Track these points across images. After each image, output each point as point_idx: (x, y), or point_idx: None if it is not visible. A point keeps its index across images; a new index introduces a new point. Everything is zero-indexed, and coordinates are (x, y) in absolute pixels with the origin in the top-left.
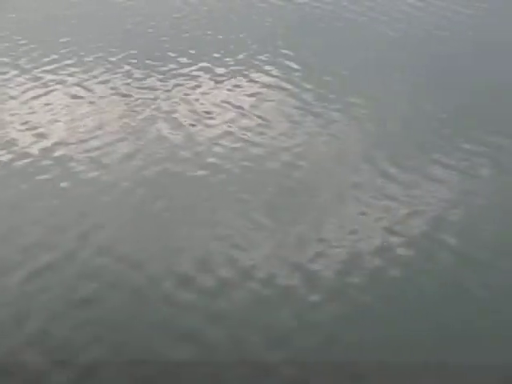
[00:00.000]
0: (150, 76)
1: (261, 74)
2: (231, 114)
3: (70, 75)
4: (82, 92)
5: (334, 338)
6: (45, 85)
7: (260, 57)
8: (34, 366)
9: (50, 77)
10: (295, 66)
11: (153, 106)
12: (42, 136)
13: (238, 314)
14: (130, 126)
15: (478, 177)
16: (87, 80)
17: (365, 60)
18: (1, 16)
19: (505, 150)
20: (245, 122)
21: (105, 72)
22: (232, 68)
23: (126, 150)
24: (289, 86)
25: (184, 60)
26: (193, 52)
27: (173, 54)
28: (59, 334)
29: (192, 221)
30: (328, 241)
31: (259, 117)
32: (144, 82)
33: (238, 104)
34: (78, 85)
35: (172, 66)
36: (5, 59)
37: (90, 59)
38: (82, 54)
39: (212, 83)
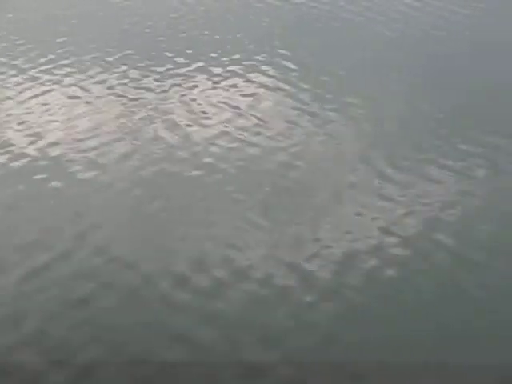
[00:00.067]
0: (147, 76)
1: (258, 74)
2: (228, 114)
3: (66, 75)
4: (78, 92)
5: (331, 338)
6: (42, 85)
7: (257, 57)
8: (31, 366)
9: (47, 77)
10: (292, 66)
11: (149, 106)
12: (38, 136)
13: (235, 314)
14: (126, 126)
15: (475, 177)
16: (84, 80)
17: (362, 60)
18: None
19: (501, 151)
20: (241, 122)
21: (102, 72)
22: (229, 68)
23: (123, 150)
24: (286, 86)
25: (181, 60)
26: (190, 52)
27: (170, 54)
28: (56, 334)
29: (188, 221)
30: (324, 241)
31: (256, 117)
32: (141, 82)
33: (235, 104)
34: (74, 85)
35: (169, 66)
36: (2, 59)
37: (87, 59)
38: (79, 53)
39: (209, 83)
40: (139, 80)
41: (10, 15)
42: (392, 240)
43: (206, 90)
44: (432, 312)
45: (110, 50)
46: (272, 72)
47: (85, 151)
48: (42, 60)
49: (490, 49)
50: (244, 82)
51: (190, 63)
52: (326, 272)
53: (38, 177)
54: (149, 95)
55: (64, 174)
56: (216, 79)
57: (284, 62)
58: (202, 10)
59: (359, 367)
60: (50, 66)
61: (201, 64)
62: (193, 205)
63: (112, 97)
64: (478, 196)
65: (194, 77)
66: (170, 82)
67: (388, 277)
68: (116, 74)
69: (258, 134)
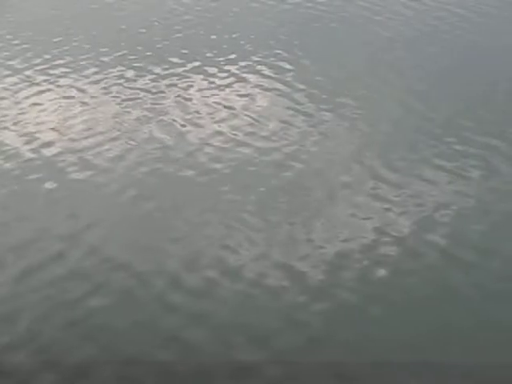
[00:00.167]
0: (142, 76)
1: (253, 75)
2: (223, 114)
3: (62, 75)
4: (74, 92)
5: (322, 338)
6: (37, 85)
7: (253, 57)
8: (24, 367)
9: (42, 77)
10: (288, 67)
11: (145, 106)
12: (33, 136)
13: (227, 314)
14: (121, 127)
15: (469, 178)
16: (79, 80)
17: (357, 60)
18: None
19: (496, 152)
20: (236, 122)
21: (97, 72)
22: (225, 68)
23: (118, 150)
24: (281, 87)
25: (176, 60)
26: (185, 52)
27: (165, 55)
28: (49, 334)
29: (182, 221)
30: (318, 241)
31: (251, 117)
32: (136, 82)
33: (230, 104)
34: (70, 85)
35: (164, 66)
36: None
37: (83, 59)
38: (75, 54)
39: (204, 83)
40: (134, 80)
41: (8, 15)
42: (385, 240)
43: (202, 90)
44: (424, 312)
45: (106, 50)
46: (267, 72)
47: (80, 151)
48: (38, 60)
49: (486, 49)
50: (240, 82)
51: (186, 63)
52: (319, 272)
53: (32, 177)
54: (144, 95)
55: (59, 174)
56: (211, 79)
57: (280, 63)
58: (197, 10)
59: (351, 367)
60: (45, 66)
61: (196, 64)
62: (187, 205)
63: (107, 97)
64: (472, 196)
65: (189, 77)
66: (166, 82)
67: (381, 277)
68: (111, 75)
69: (253, 134)
